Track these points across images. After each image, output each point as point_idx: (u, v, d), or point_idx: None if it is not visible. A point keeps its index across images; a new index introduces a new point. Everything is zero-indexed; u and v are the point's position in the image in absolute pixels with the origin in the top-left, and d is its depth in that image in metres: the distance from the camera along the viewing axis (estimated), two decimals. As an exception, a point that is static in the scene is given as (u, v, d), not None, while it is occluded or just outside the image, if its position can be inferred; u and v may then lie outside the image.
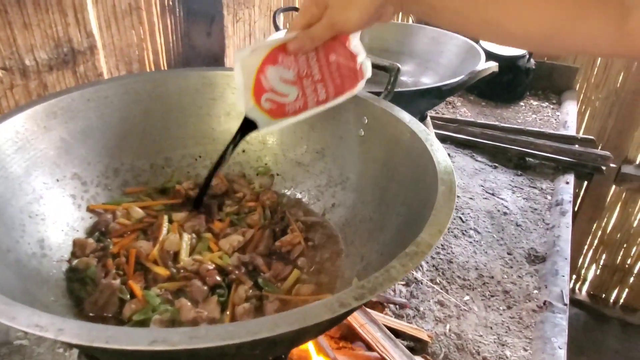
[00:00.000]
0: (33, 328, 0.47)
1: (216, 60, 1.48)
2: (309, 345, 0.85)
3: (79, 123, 0.90)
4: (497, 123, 1.80)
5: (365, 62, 0.82)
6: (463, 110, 1.99)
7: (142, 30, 1.33)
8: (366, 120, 0.93)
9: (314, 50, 0.78)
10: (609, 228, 2.61)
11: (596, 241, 2.68)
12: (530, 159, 1.65)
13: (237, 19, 1.67)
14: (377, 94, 0.96)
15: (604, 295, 2.81)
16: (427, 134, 0.83)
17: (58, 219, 0.84)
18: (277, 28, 1.53)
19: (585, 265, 2.77)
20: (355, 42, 0.79)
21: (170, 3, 1.38)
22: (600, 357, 2.64)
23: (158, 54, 1.40)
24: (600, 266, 2.74)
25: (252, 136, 1.03)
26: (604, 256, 2.70)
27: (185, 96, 1.01)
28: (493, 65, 1.18)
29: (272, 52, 0.77)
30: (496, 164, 1.62)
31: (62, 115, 0.88)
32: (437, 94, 1.17)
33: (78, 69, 1.18)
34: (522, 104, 2.08)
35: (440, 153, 0.77)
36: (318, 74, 0.79)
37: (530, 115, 1.99)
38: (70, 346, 0.96)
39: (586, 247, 2.70)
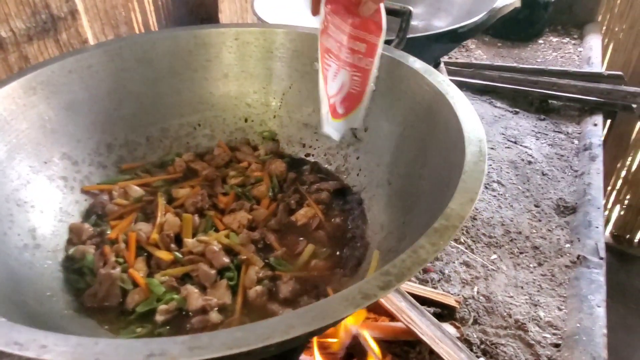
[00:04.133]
0: (12, 347, 0.40)
1: (210, 16, 1.37)
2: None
3: (62, 97, 0.82)
4: (515, 64, 1.68)
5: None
6: (478, 53, 1.86)
7: (127, -12, 1.22)
8: (377, 73, 0.84)
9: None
10: (634, 167, 2.50)
11: (620, 181, 2.58)
12: (554, 101, 1.54)
13: (230, -31, 1.54)
14: (388, 42, 0.86)
15: (628, 235, 2.73)
16: (447, 86, 0.74)
17: (49, 204, 0.77)
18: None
19: (609, 206, 2.68)
20: None
21: (155, -44, 1.26)
22: (624, 297, 2.59)
23: (147, 13, 1.29)
24: (624, 206, 2.65)
25: (253, 98, 0.96)
26: (628, 196, 2.61)
27: (177, 59, 0.92)
28: (515, 0, 1.06)
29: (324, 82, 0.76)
30: (517, 109, 1.52)
31: (43, 90, 0.80)
32: (453, 38, 1.06)
33: (60, 37, 1.09)
34: (540, 41, 1.95)
35: (464, 107, 0.68)
36: (343, 35, 0.73)
37: (550, 53, 1.86)
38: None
39: (609, 187, 2.61)
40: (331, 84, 0.75)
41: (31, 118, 0.78)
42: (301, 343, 0.64)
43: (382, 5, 0.71)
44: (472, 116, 0.66)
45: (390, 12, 0.88)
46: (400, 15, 0.85)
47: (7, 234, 0.69)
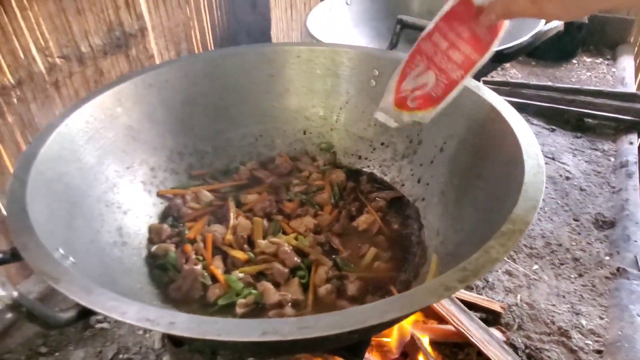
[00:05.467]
0: (144, 322, 0.47)
1: (263, 33, 1.46)
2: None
3: (142, 109, 0.90)
4: (551, 84, 1.73)
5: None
6: (513, 71, 1.91)
7: (189, 8, 1.31)
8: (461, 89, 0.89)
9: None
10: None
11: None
12: (590, 120, 1.58)
13: (278, -11, 1.63)
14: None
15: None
16: (500, 102, 0.80)
17: (132, 206, 0.84)
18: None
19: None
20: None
21: (214, -22, 1.35)
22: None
23: (205, 31, 1.38)
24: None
25: (312, 112, 1.02)
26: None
27: (242, 74, 0.99)
28: (559, 25, 1.12)
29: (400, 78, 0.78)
30: (554, 127, 1.56)
31: (127, 102, 0.88)
32: (499, 58, 1.12)
33: (130, 53, 1.18)
34: (574, 61, 1.99)
35: (519, 123, 0.74)
36: (444, 42, 0.74)
37: (584, 72, 1.91)
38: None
39: None
40: (409, 81, 0.78)
41: (117, 127, 0.86)
42: (377, 333, 0.70)
43: (502, 30, 0.71)
44: (527, 131, 0.72)
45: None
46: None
47: (100, 231, 0.76)
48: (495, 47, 0.72)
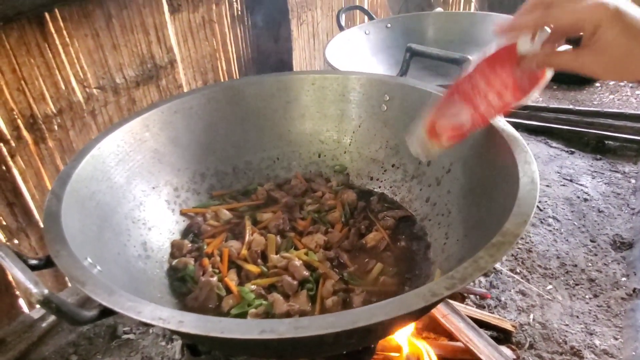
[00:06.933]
0: (157, 321, 0.52)
1: (284, 63, 1.53)
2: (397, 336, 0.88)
3: (168, 134, 0.97)
4: (571, 107, 1.74)
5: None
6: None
7: (215, 41, 1.41)
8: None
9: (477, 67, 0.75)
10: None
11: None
12: (610, 142, 1.58)
13: (301, 21, 1.71)
14: (447, 87, 0.97)
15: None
16: (503, 124, 0.83)
17: (156, 223, 0.91)
18: (340, 28, 1.56)
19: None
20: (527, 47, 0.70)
21: (240, 13, 1.44)
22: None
23: (230, 62, 1.47)
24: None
25: (327, 136, 1.08)
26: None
27: (261, 101, 1.06)
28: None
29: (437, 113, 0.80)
30: (572, 149, 1.57)
31: (154, 127, 0.96)
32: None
33: (161, 83, 1.27)
34: (597, 84, 1.99)
35: (517, 143, 0.77)
36: (484, 84, 0.75)
37: (607, 95, 1.91)
38: (173, 339, 1.04)
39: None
40: (445, 117, 0.79)
41: (144, 150, 0.93)
42: (375, 341, 0.73)
43: (543, 81, 0.72)
44: (525, 150, 0.75)
45: (449, 60, 1.00)
46: (459, 64, 0.96)
47: (126, 245, 0.83)
48: (534, 96, 0.74)
